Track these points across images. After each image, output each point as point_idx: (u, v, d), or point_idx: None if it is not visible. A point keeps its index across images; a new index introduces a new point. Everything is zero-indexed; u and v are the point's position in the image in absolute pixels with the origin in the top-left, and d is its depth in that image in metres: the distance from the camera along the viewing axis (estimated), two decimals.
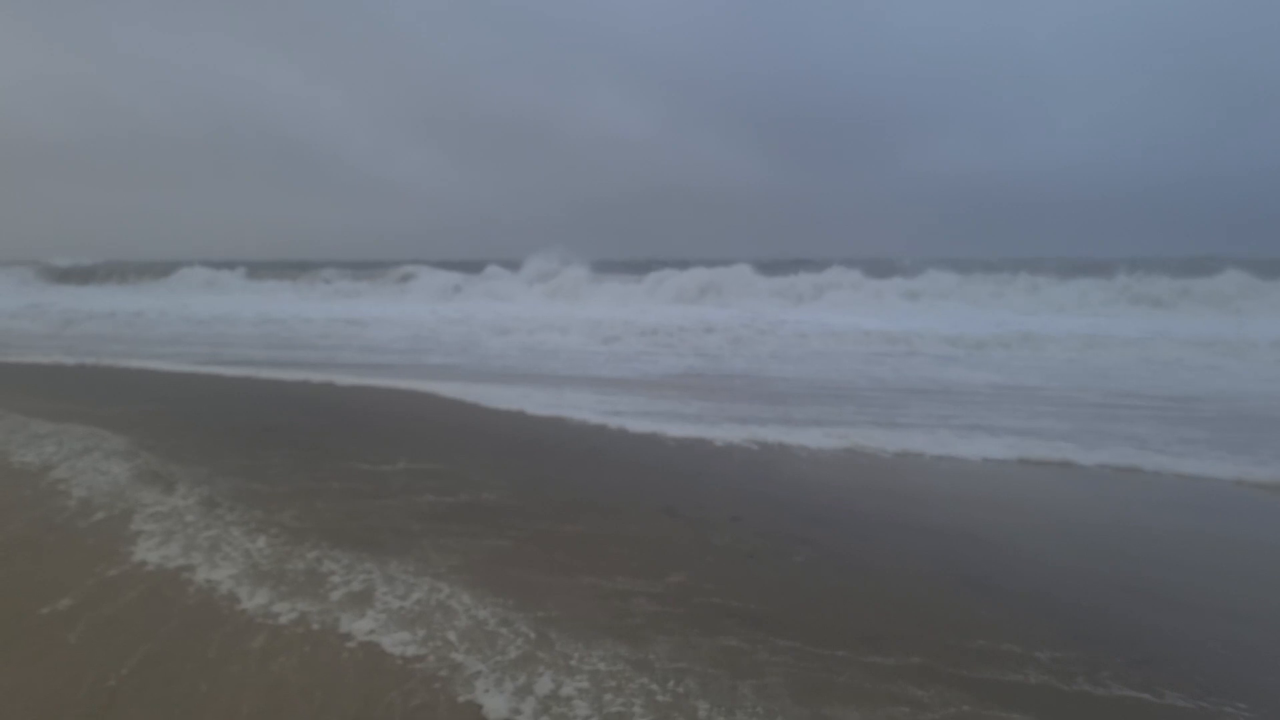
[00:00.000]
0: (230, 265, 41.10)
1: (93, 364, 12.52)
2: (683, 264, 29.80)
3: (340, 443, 6.93)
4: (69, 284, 39.48)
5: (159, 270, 41.29)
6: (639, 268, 32.25)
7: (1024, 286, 23.56)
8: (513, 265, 33.75)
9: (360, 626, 3.46)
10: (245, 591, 3.81)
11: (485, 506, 5.22)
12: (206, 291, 34.12)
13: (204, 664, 3.16)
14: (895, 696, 3.00)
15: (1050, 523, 5.17)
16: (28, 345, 15.33)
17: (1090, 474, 6.31)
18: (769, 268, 28.25)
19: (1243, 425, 7.98)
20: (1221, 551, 4.72)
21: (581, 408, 8.52)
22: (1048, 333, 15.59)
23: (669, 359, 13.56)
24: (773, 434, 7.23)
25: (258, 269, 40.89)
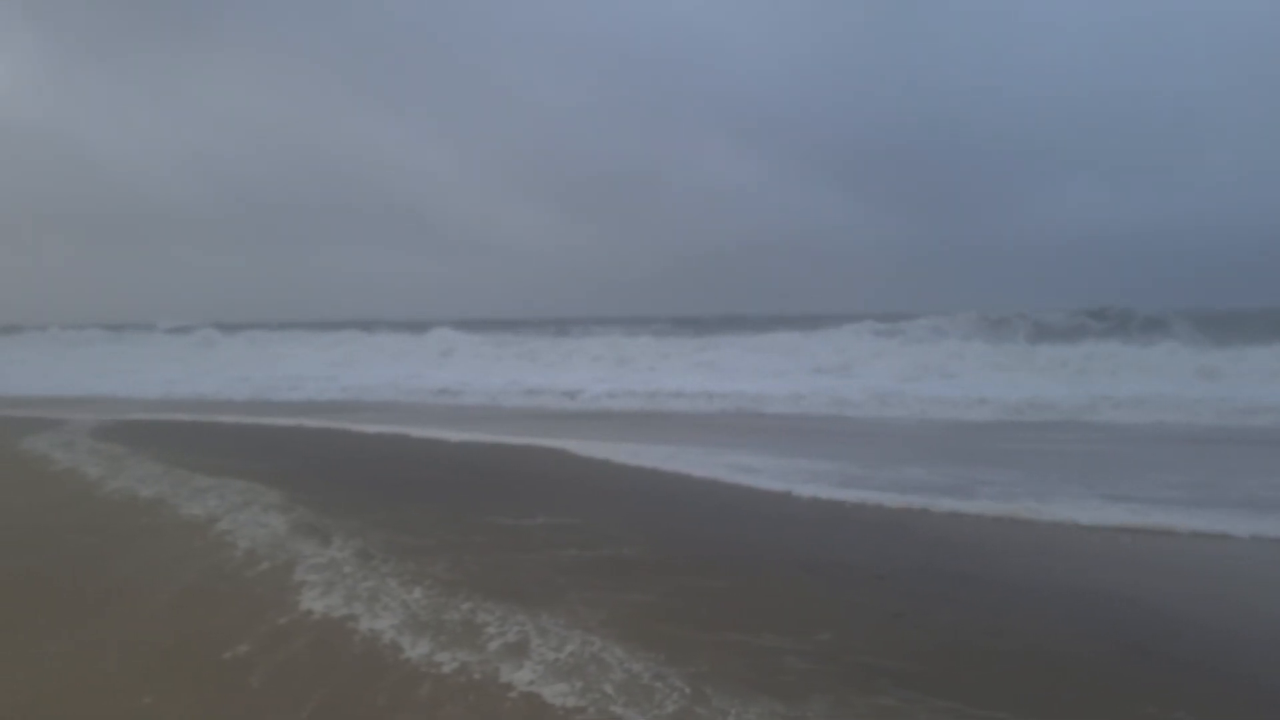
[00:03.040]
0: (340, 325, 42.56)
1: (234, 422, 13.26)
2: (799, 320, 29.71)
3: (478, 497, 7.18)
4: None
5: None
6: (759, 325, 32.33)
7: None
8: (623, 322, 34.17)
9: (520, 677, 3.56)
10: (407, 641, 3.97)
11: (625, 561, 5.31)
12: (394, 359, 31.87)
13: (376, 711, 3.30)
14: None
15: (1213, 589, 4.94)
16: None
17: (1248, 544, 5.99)
18: (888, 319, 27.93)
19: None
20: None
21: (708, 464, 8.57)
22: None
23: (793, 420, 13.52)
24: (913, 498, 7.11)
25: (373, 327, 42.30)
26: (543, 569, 5.09)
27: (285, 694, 3.45)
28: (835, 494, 7.21)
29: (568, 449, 9.75)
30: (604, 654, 3.80)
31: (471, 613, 4.33)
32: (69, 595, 4.70)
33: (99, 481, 7.88)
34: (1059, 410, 13.17)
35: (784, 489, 7.42)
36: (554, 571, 5.04)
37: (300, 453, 10.03)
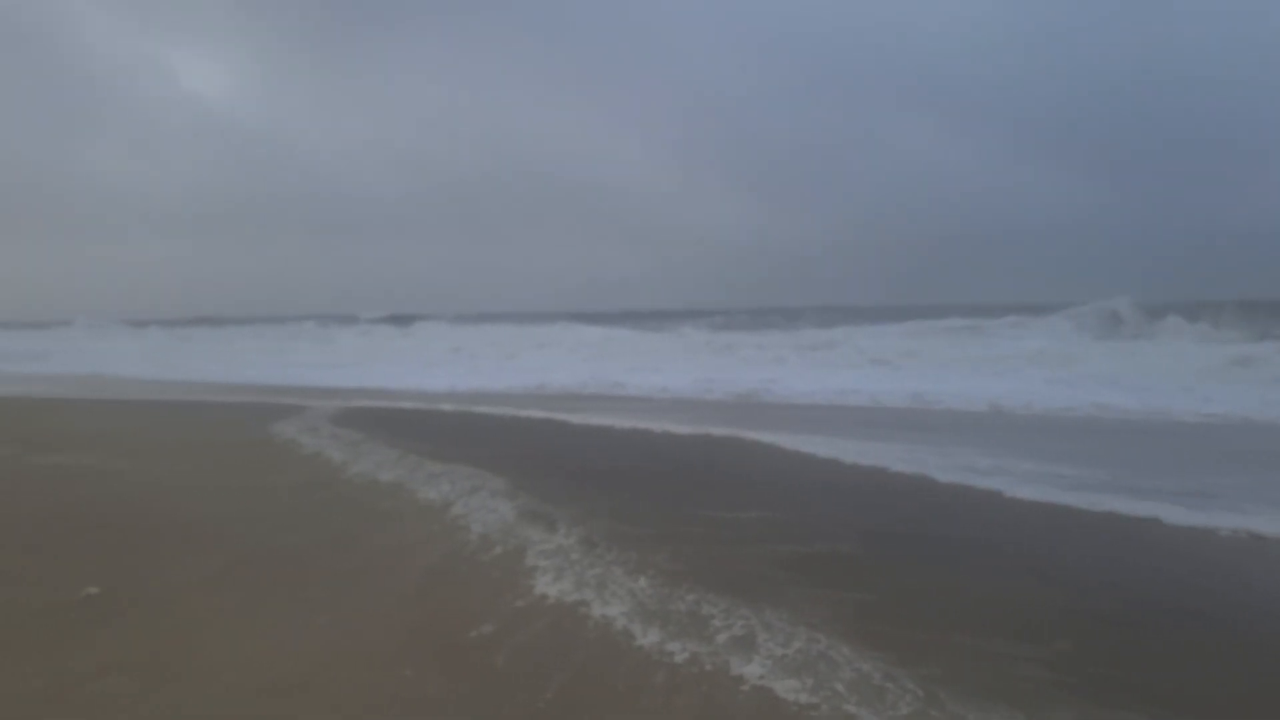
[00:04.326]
0: (551, 318, 44.13)
1: (451, 410, 14.08)
2: (1023, 309, 28.38)
3: (689, 489, 7.35)
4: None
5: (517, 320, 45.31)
6: (979, 312, 31.20)
7: None
8: (822, 310, 33.72)
9: (750, 671, 3.64)
10: (638, 629, 4.14)
11: (843, 557, 5.31)
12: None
13: (616, 696, 3.47)
14: None
15: None
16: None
17: None
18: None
19: None
20: None
21: (928, 464, 8.37)
22: None
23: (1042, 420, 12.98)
24: (1146, 504, 6.68)
25: (583, 318, 43.66)
26: (761, 563, 5.16)
27: (529, 674, 3.68)
28: (1059, 497, 6.88)
29: (778, 443, 9.76)
30: (831, 652, 3.83)
31: (696, 604, 4.45)
32: (330, 570, 5.17)
33: (343, 465, 8.59)
34: None
35: (994, 488, 7.17)
36: (772, 566, 5.10)
37: (516, 441, 10.56)
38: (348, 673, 3.73)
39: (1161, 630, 4.15)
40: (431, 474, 7.95)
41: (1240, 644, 3.99)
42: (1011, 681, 3.52)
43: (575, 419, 12.52)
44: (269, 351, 34.93)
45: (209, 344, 43.86)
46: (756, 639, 3.98)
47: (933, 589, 4.73)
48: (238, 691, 3.53)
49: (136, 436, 11.08)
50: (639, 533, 5.86)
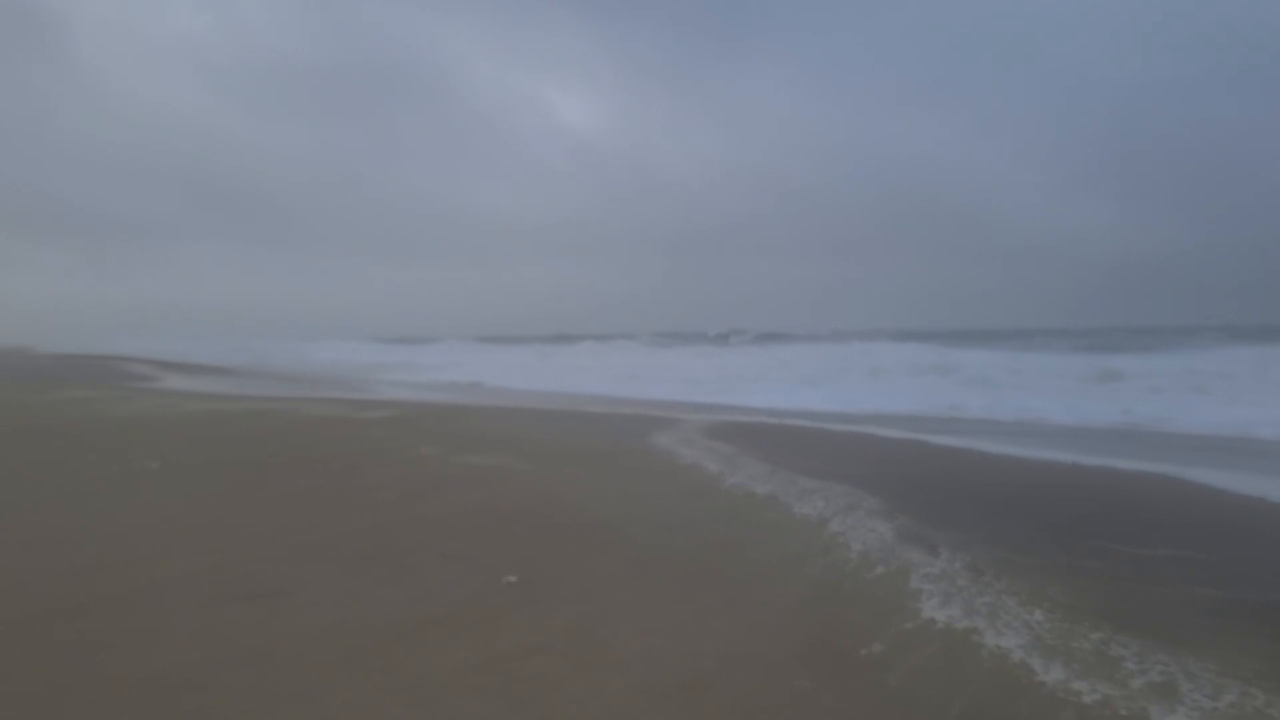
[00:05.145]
0: (921, 337, 42.93)
1: (813, 427, 14.19)
2: None
3: (1078, 519, 6.87)
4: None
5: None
6: None
7: None
8: (1238, 330, 29.77)
9: None
10: (1038, 664, 3.97)
11: (1277, 609, 4.71)
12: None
13: None
14: None
15: None
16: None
17: None
18: None
19: None
20: None
21: None
22: None
23: None
24: None
25: (953, 339, 42.03)
26: (1176, 606, 4.73)
27: (924, 698, 3.66)
28: None
29: (1182, 476, 8.83)
30: (1270, 710, 3.43)
31: (1103, 644, 4.18)
32: (721, 576, 5.44)
33: (719, 476, 9.00)
34: None
35: None
36: (1189, 610, 4.65)
37: (883, 460, 10.46)
38: (745, 677, 3.92)
39: None
40: (804, 490, 8.11)
41: None
42: None
43: (939, 440, 12.15)
44: (638, 366, 37.22)
45: (571, 358, 47.72)
46: (1179, 688, 3.67)
47: None
48: (651, 684, 3.84)
49: (534, 441, 12.31)
50: (1028, 562, 5.59)
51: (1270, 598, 4.85)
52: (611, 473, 9.41)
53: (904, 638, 4.34)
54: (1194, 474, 8.87)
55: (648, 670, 3.98)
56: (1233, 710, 3.44)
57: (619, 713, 3.54)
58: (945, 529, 6.49)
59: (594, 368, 37.74)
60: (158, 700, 3.59)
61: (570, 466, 9.84)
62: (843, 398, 20.26)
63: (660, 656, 4.14)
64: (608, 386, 25.70)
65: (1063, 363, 28.17)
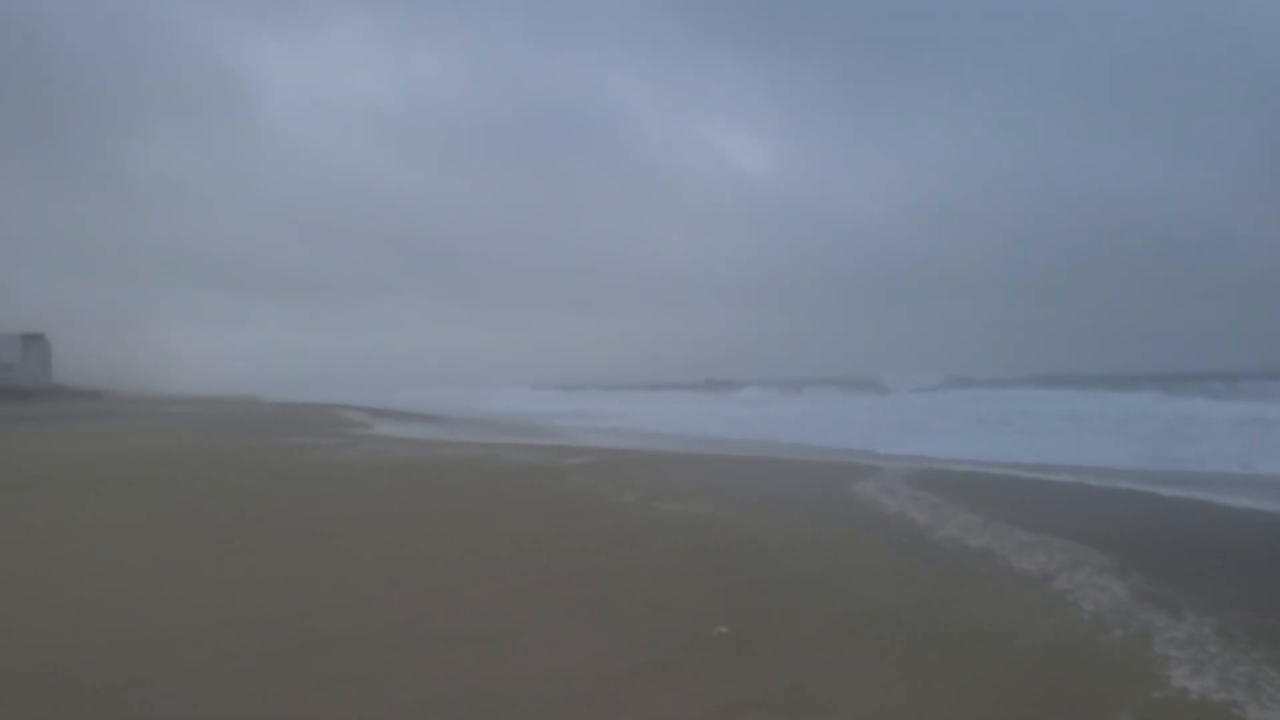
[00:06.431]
0: (1124, 382, 40.03)
1: (1025, 477, 13.51)
2: None
3: None
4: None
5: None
6: None
7: None
8: None
9: None
10: None
11: None
12: None
13: None
14: None
15: None
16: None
17: None
18: None
19: None
20: None
21: None
22: None
23: None
24: None
25: (1163, 383, 39.02)
26: None
27: None
28: None
29: None
30: None
31: None
32: (935, 635, 5.21)
33: (928, 528, 8.70)
34: None
35: None
36: None
37: (1106, 512, 9.87)
38: None
39: None
40: (1022, 543, 7.73)
41: None
42: None
43: (1166, 491, 11.32)
44: (808, 413, 36.45)
45: (740, 405, 47.58)
46: None
47: None
48: None
49: (731, 489, 12.32)
50: None
51: None
52: (815, 523, 9.29)
53: (1154, 708, 4.05)
54: None
55: None
56: None
57: None
58: (1186, 589, 6.03)
59: (767, 414, 37.43)
60: None
61: (772, 515, 9.79)
62: (1040, 447, 18.98)
63: (885, 718, 4.06)
64: (782, 433, 25.46)
65: None
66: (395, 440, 24.51)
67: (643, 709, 4.07)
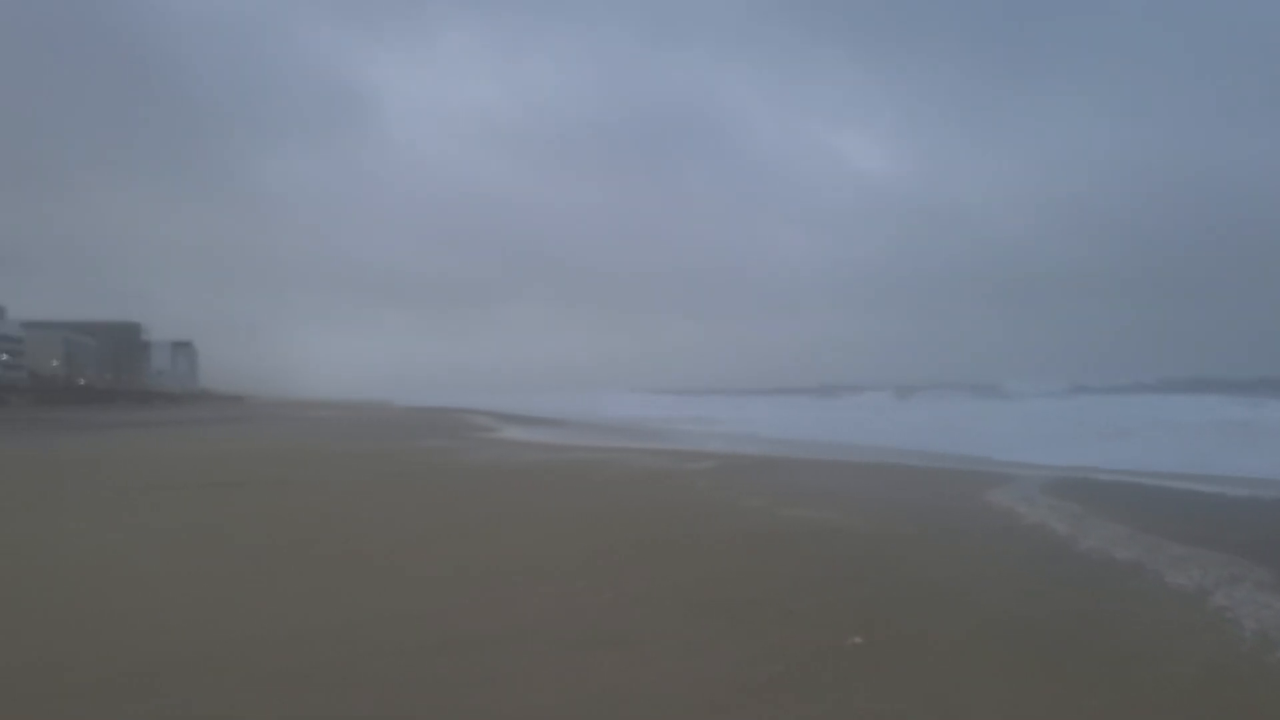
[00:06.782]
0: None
1: (1177, 487, 12.90)
2: None
3: None
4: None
5: None
6: None
7: None
8: None
9: None
10: None
11: None
12: None
13: None
14: None
15: None
16: None
17: None
18: None
19: None
20: None
21: None
22: None
23: None
24: None
25: None
26: None
27: None
28: None
29: None
30: None
31: None
32: (1085, 651, 4.99)
33: (1070, 538, 8.37)
34: None
35: None
36: None
37: (1263, 524, 9.35)
38: None
39: None
40: (1175, 557, 7.38)
41: None
42: None
43: None
44: (927, 419, 35.44)
45: (859, 410, 46.59)
46: None
47: None
48: None
49: (858, 495, 12.10)
50: None
51: None
52: (948, 531, 9.08)
53: None
54: None
55: None
56: None
57: None
58: None
59: (887, 419, 36.64)
60: None
61: (903, 523, 9.61)
62: (1182, 455, 17.77)
63: None
64: (904, 439, 24.77)
65: None
66: (521, 444, 25.11)
67: (780, 719, 4.04)
